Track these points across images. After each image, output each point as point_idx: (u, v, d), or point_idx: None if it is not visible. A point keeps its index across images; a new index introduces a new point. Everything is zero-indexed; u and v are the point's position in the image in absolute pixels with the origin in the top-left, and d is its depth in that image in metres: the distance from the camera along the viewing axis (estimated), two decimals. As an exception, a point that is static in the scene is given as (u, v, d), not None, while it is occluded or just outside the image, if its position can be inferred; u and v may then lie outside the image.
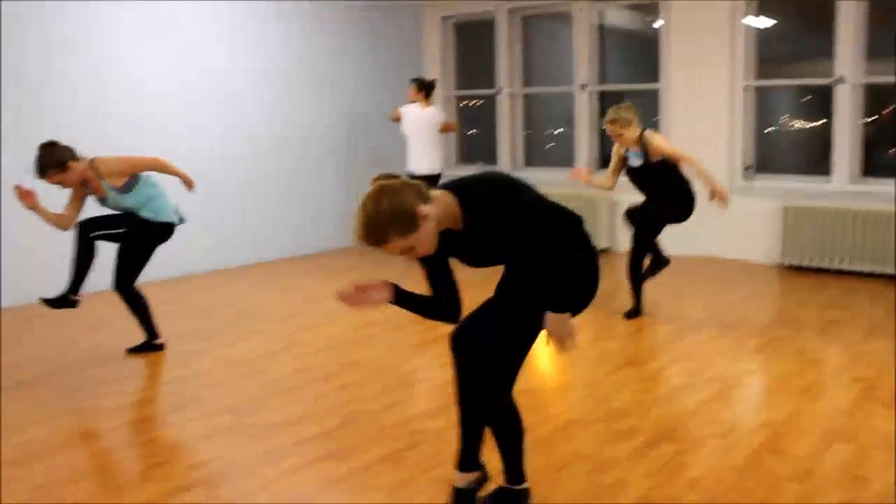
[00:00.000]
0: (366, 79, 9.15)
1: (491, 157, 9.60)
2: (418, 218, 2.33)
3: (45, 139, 4.69)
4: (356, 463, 3.50)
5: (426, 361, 4.98)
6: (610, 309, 5.93)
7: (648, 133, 5.45)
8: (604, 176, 5.84)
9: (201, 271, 7.83)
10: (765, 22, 7.88)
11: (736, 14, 7.64)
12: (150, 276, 6.27)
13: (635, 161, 5.56)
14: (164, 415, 4.23)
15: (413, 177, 7.94)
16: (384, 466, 3.45)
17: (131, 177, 4.84)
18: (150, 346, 5.22)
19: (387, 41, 9.41)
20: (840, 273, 7.17)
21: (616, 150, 5.69)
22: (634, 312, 5.76)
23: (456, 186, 2.50)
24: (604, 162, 8.81)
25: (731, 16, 7.63)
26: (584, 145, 8.84)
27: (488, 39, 9.40)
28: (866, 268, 6.99)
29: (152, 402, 4.43)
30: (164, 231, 5.04)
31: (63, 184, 4.69)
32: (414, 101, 7.86)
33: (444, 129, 8.09)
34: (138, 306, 5.13)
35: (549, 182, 8.63)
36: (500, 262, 2.73)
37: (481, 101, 9.86)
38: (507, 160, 9.44)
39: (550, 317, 2.57)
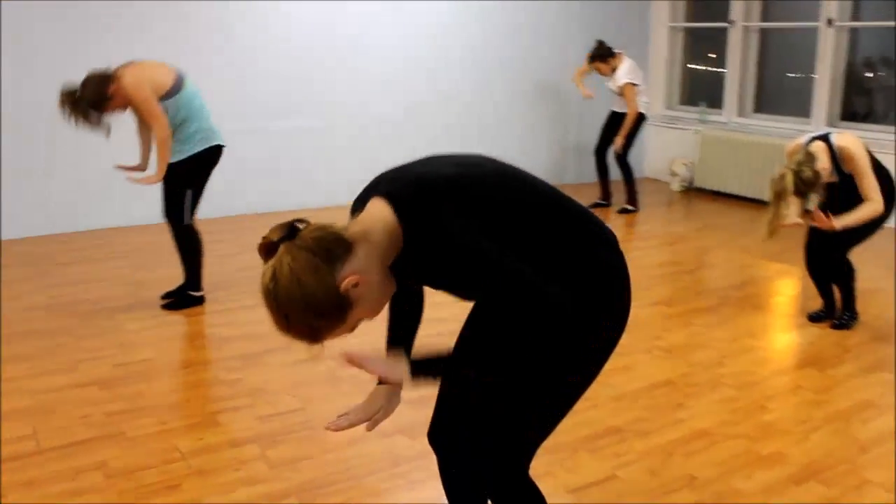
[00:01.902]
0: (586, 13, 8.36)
1: (716, 100, 8.54)
2: (345, 298, 1.53)
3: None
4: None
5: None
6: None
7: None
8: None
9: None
10: None
11: None
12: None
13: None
14: (263, 354, 3.94)
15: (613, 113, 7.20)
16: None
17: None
18: (187, 296, 4.62)
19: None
20: None
21: None
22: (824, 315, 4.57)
23: (388, 187, 1.64)
24: (847, 115, 7.51)
25: None
26: (825, 95, 7.56)
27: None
28: None
29: (261, 338, 4.16)
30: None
31: (112, 113, 4.19)
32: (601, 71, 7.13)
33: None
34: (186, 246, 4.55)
35: (781, 133, 7.60)
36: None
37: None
38: (734, 103, 8.35)
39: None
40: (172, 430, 3.15)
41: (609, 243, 1.77)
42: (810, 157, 3.99)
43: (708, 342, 4.18)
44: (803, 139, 4.21)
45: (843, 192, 4.13)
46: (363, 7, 7.14)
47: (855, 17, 7.44)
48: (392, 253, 1.60)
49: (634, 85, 6.93)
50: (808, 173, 3.94)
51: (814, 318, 4.53)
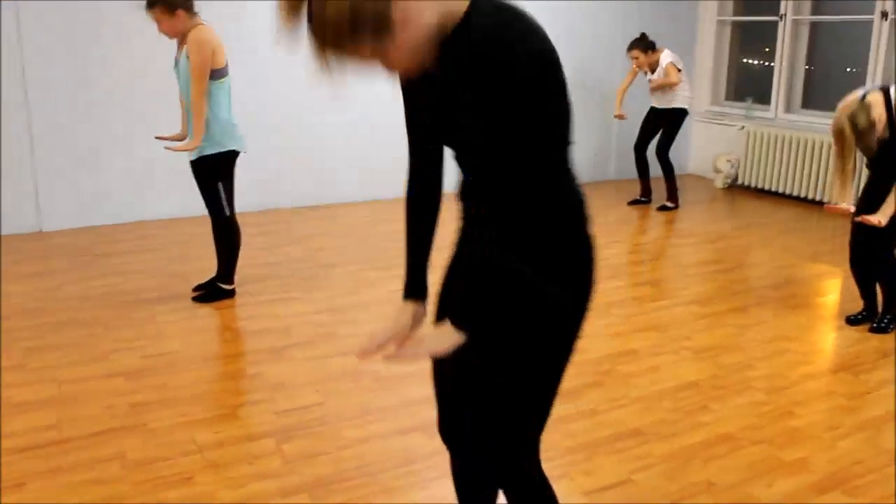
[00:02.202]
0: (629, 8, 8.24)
1: (764, 95, 8.35)
2: (388, 20, 1.37)
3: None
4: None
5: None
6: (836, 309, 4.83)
7: None
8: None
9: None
10: None
11: None
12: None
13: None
14: (289, 348, 3.96)
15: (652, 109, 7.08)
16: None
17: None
18: (217, 288, 4.64)
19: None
20: None
21: None
22: (864, 318, 4.43)
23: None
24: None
25: None
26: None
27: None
28: None
29: (286, 332, 4.18)
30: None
31: (160, 27, 4.18)
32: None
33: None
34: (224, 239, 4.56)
35: (826, 130, 7.41)
36: (461, 149, 1.63)
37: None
38: (782, 98, 8.16)
39: (437, 330, 1.61)
40: (192, 422, 3.18)
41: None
42: (865, 107, 3.89)
43: (740, 344, 4.09)
44: (860, 91, 4.09)
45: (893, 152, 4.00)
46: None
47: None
48: (441, 28, 1.46)
49: (678, 70, 6.83)
50: (862, 121, 3.86)
51: (853, 320, 4.40)
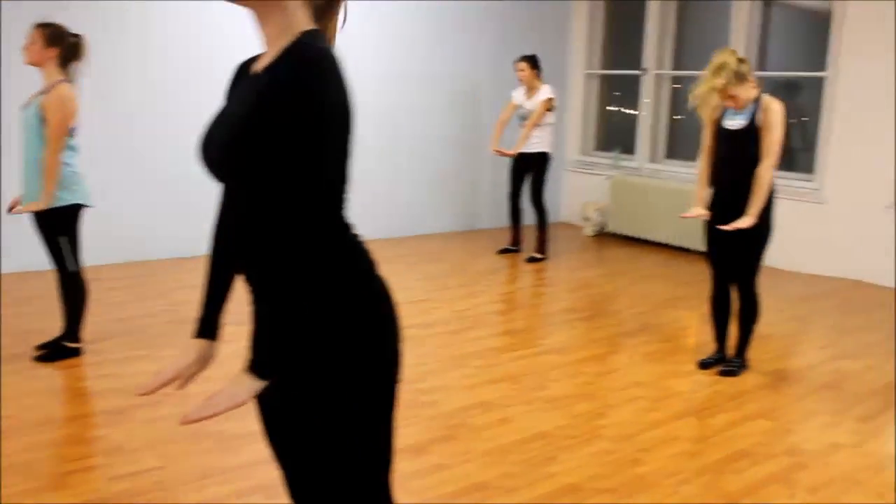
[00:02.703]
0: (499, 57, 8.37)
1: (628, 146, 8.64)
2: None
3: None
4: None
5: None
6: (679, 343, 4.96)
7: (767, 98, 4.18)
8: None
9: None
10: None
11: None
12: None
13: (735, 121, 4.22)
14: (131, 409, 3.78)
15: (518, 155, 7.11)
16: None
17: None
18: (62, 347, 4.38)
19: (529, 15, 8.60)
20: None
21: (712, 112, 4.32)
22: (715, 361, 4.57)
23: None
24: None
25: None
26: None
27: (640, 14, 8.40)
28: None
29: (131, 391, 3.99)
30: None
31: (28, 50, 4.06)
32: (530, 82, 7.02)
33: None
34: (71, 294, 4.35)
35: (692, 179, 7.68)
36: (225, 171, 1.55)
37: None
38: (647, 149, 8.45)
39: (233, 380, 1.51)
40: (12, 494, 2.98)
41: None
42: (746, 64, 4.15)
43: (593, 392, 4.14)
44: None
45: (740, 149, 4.18)
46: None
47: (761, 67, 7.59)
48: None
49: (550, 109, 6.93)
50: (744, 66, 4.08)
51: (705, 364, 4.52)
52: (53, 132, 4.03)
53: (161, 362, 4.36)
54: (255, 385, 1.49)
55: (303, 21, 1.51)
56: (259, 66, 1.54)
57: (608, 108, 9.18)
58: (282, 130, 1.38)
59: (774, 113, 4.11)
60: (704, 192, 4.40)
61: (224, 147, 1.49)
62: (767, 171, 4.11)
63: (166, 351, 4.53)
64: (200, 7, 6.50)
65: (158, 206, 6.63)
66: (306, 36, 1.47)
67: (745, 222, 4.08)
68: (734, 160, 4.22)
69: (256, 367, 1.49)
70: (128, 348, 4.56)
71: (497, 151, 7.21)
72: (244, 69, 1.66)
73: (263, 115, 1.40)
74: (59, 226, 4.19)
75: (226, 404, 1.49)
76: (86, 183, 4.24)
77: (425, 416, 3.73)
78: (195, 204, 6.68)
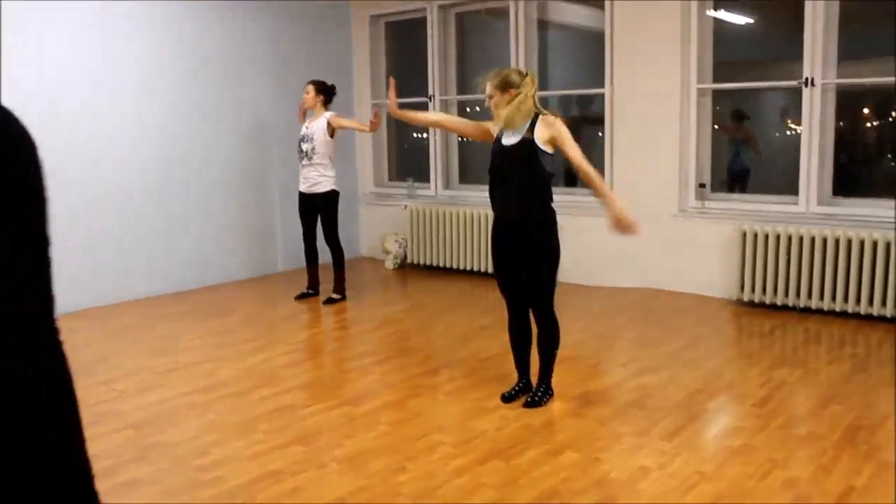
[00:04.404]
0: (283, 86, 7.97)
1: (423, 174, 8.47)
2: None
3: None
4: None
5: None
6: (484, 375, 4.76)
7: (549, 116, 4.04)
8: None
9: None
10: (728, 16, 6.77)
11: (691, 6, 6.47)
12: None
13: (512, 139, 4.04)
14: None
15: (303, 195, 6.74)
16: None
17: None
18: None
19: (310, 43, 8.27)
20: (806, 312, 5.99)
21: (489, 125, 4.25)
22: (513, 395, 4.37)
23: None
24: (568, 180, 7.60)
25: (684, 8, 6.46)
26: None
27: (422, 40, 8.28)
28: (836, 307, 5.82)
29: None
30: None
31: None
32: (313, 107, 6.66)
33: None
34: None
35: (486, 202, 7.56)
36: None
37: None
38: (441, 177, 8.31)
39: None
40: None
41: None
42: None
43: (392, 444, 3.81)
44: None
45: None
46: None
47: (543, 86, 7.60)
48: None
49: (332, 134, 6.59)
50: (518, 80, 4.03)
51: (508, 397, 4.31)
52: None
53: None
54: None
55: None
56: None
57: (414, 135, 9.00)
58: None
59: (561, 129, 3.98)
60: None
61: None
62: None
63: None
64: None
65: None
66: None
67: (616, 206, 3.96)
68: (514, 179, 4.06)
69: None
70: None
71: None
72: None
73: None
74: None
75: None
76: None
77: (206, 497, 3.27)
78: None
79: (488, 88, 4.08)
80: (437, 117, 4.32)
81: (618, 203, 3.99)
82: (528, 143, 3.97)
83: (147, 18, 6.93)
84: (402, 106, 4.76)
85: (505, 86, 4.02)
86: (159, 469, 3.54)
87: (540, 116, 4.03)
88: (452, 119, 4.67)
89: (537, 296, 4.13)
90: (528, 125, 4.01)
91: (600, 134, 7.12)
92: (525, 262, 4.08)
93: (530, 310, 4.23)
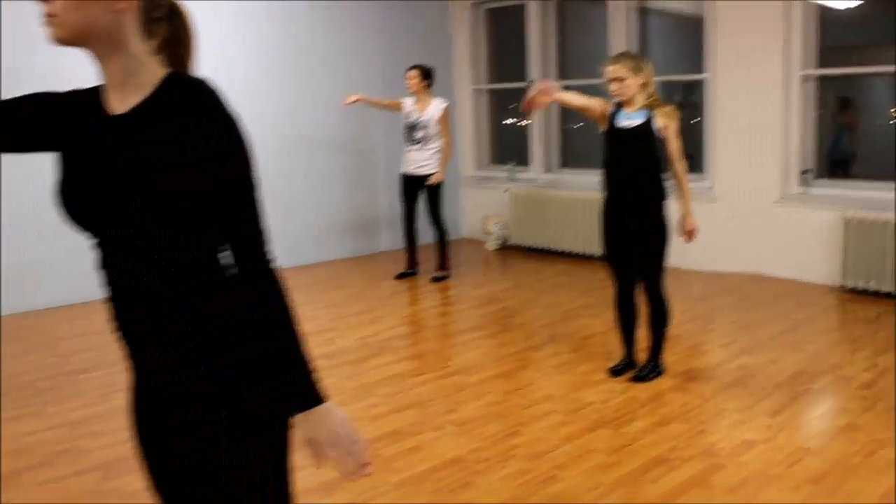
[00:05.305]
0: (387, 74, 8.25)
1: (523, 158, 8.65)
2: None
3: None
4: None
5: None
6: (590, 352, 4.92)
7: (668, 106, 4.20)
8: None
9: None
10: (831, 2, 6.72)
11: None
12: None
13: (630, 121, 4.19)
14: (25, 471, 3.48)
15: (407, 177, 6.96)
16: None
17: None
18: None
19: (411, 31, 8.53)
20: (912, 300, 5.95)
21: (603, 103, 4.31)
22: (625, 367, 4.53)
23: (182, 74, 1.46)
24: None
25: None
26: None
27: (521, 27, 8.44)
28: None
29: (24, 453, 3.69)
30: None
31: None
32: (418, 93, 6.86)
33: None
34: None
35: (586, 186, 7.68)
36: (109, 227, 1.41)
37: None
38: (541, 161, 8.47)
39: (316, 422, 1.42)
40: None
41: None
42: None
43: (503, 411, 4.03)
44: None
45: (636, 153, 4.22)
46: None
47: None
48: (119, 46, 1.41)
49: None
50: (650, 70, 4.16)
51: (615, 371, 4.47)
52: None
53: (52, 419, 4.06)
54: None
55: (151, 59, 1.45)
56: (116, 107, 1.43)
57: (504, 122, 9.19)
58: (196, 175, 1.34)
59: (676, 120, 4.18)
60: None
61: (122, 195, 1.35)
62: (684, 166, 4.29)
63: (55, 407, 4.22)
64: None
65: (36, 252, 6.24)
66: (176, 77, 1.43)
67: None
68: (633, 160, 4.25)
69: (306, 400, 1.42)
70: (13, 407, 4.23)
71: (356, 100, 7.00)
72: (82, 107, 1.49)
73: (167, 163, 1.33)
74: None
75: (361, 447, 1.46)
76: None
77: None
78: (74, 249, 6.33)
79: (620, 70, 4.14)
80: (583, 101, 4.30)
81: (692, 207, 4.35)
82: (648, 127, 4.13)
83: (265, 17, 7.35)
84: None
85: (638, 69, 4.14)
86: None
87: (658, 104, 4.17)
88: (592, 101, 4.39)
89: (649, 273, 4.27)
90: (645, 111, 4.15)
91: (699, 119, 7.16)
92: (638, 240, 4.23)
93: (638, 288, 4.37)
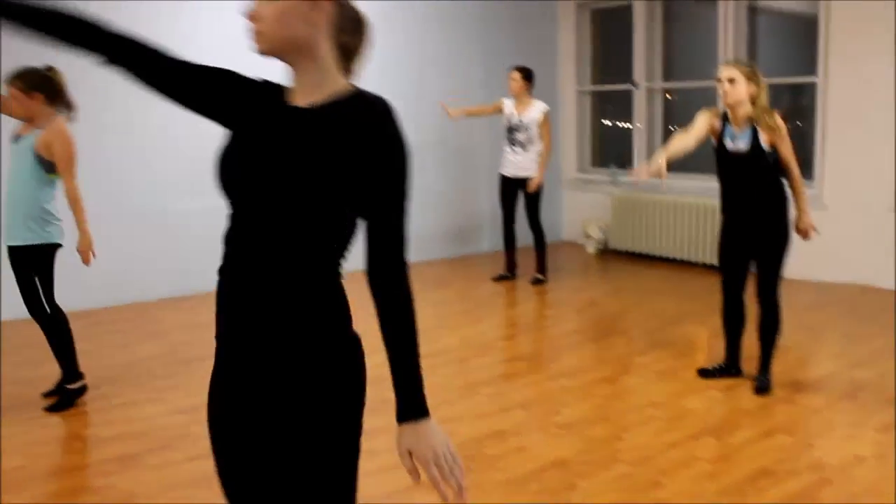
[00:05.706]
0: (489, 75, 8.34)
1: (626, 160, 8.61)
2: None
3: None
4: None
5: (466, 407, 4.22)
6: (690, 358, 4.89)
7: (774, 118, 4.10)
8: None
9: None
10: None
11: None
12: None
13: (738, 143, 4.16)
14: (144, 454, 3.71)
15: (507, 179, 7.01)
16: None
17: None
18: (67, 391, 4.29)
19: (515, 31, 8.60)
20: None
21: (711, 118, 4.25)
22: (723, 370, 4.54)
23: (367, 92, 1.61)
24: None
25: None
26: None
27: (627, 28, 8.41)
28: None
29: (141, 437, 3.93)
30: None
31: (15, 110, 4.12)
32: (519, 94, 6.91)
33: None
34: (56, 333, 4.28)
35: (689, 191, 7.62)
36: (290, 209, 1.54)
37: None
38: (643, 162, 8.41)
39: (422, 434, 1.54)
40: (24, 551, 2.91)
41: None
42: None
43: (608, 415, 4.08)
44: None
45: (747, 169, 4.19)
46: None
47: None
48: (311, 52, 1.57)
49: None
50: (761, 81, 4.11)
51: (707, 373, 4.47)
52: (66, 165, 4.08)
53: (166, 405, 4.30)
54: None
55: (335, 66, 1.61)
56: (303, 101, 1.58)
57: (603, 121, 9.17)
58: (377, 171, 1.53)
59: (781, 126, 4.12)
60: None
61: (295, 181, 1.50)
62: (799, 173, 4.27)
63: (170, 393, 4.46)
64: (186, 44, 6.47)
65: (148, 246, 6.56)
66: (361, 90, 1.60)
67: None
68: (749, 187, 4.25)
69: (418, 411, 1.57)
70: (132, 392, 4.50)
71: (453, 114, 7.06)
72: (267, 94, 1.65)
73: (354, 156, 1.50)
74: (33, 264, 4.15)
75: (460, 470, 1.56)
76: (61, 223, 4.22)
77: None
78: (184, 243, 6.63)
79: (734, 72, 4.10)
80: (686, 142, 4.21)
81: (807, 207, 4.29)
82: (757, 148, 4.11)
83: (382, 18, 7.48)
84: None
85: (753, 75, 4.10)
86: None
87: (761, 113, 4.11)
88: (688, 142, 4.26)
89: (767, 282, 4.24)
90: (750, 128, 4.11)
91: (806, 123, 7.02)
92: (758, 250, 4.24)
93: (752, 296, 4.34)
